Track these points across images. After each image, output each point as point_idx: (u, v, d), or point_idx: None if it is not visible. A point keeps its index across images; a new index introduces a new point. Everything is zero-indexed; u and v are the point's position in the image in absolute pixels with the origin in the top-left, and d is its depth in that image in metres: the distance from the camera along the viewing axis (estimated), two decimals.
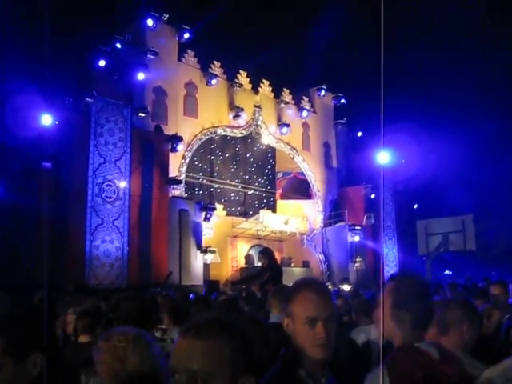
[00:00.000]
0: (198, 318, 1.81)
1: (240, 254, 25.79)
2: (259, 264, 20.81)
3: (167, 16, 23.65)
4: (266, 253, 11.31)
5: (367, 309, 6.11)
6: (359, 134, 31.39)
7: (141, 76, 21.83)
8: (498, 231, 29.23)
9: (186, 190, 23.82)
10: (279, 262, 18.57)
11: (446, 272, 30.58)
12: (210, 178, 26.25)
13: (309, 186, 29.48)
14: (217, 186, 26.57)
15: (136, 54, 22.30)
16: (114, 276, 18.28)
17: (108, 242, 18.35)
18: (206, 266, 22.09)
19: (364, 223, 28.25)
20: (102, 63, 21.32)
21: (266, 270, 10.81)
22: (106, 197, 18.59)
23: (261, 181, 28.87)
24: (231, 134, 26.38)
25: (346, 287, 20.70)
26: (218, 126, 25.49)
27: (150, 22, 23.02)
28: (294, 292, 2.66)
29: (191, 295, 10.94)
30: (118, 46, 22.15)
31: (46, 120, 17.04)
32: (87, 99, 19.13)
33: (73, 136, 18.04)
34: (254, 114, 26.91)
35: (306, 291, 2.62)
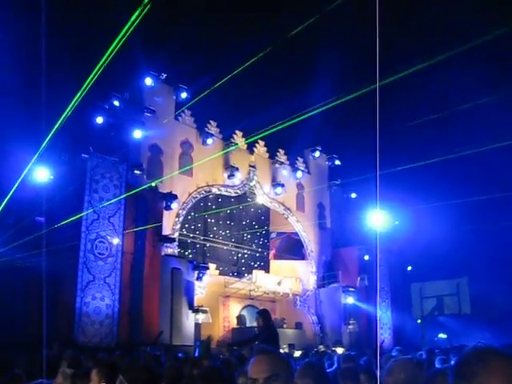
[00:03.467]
0: None
1: (232, 314, 25.48)
2: (253, 324, 20.61)
3: (165, 75, 24.02)
4: (262, 314, 11.18)
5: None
6: (353, 195, 31.47)
7: (137, 133, 21.96)
8: (493, 294, 29.03)
9: (179, 249, 23.67)
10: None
11: (441, 335, 30.22)
12: (204, 237, 26.13)
13: (302, 246, 29.37)
14: (210, 244, 26.44)
15: (133, 112, 22.52)
16: (103, 334, 17.98)
17: (99, 299, 18.13)
18: (198, 326, 21.78)
19: (358, 285, 28.06)
20: (99, 120, 21.54)
21: (263, 332, 10.66)
22: (99, 253, 18.47)
23: (254, 240, 28.77)
24: (226, 193, 26.40)
25: (340, 350, 20.42)
26: (212, 185, 25.55)
27: (148, 81, 23.34)
28: None
29: (179, 355, 10.72)
30: (116, 103, 22.43)
31: (42, 175, 17.09)
32: (83, 155, 19.26)
33: (67, 191, 18.05)
34: (249, 174, 27.04)
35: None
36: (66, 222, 16.66)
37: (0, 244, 16.49)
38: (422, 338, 27.02)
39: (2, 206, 15.24)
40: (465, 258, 28.15)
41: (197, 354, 12.17)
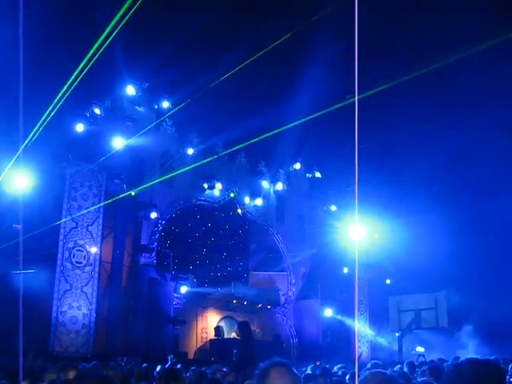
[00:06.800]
0: None
1: (210, 325, 25.34)
2: (231, 336, 20.53)
3: (147, 84, 23.93)
4: (242, 326, 11.16)
5: None
6: (333, 207, 31.51)
7: (118, 142, 21.78)
8: (471, 308, 29.20)
9: (158, 259, 23.50)
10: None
11: (418, 348, 30.27)
12: (183, 247, 26.00)
13: (282, 258, 29.32)
14: (189, 255, 26.31)
15: (114, 120, 22.39)
16: (79, 344, 17.81)
17: (75, 308, 17.98)
18: (175, 337, 21.65)
19: (336, 298, 28.06)
20: (79, 127, 21.34)
21: (245, 344, 10.64)
22: (76, 262, 18.33)
23: (234, 252, 28.67)
24: (206, 204, 26.31)
25: (317, 363, 20.37)
26: (193, 196, 25.43)
27: (130, 90, 23.21)
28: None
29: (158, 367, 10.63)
30: (97, 111, 22.26)
31: (20, 182, 16.90)
32: (63, 163, 19.10)
33: (46, 199, 17.90)
34: (229, 185, 26.96)
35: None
36: (43, 229, 16.50)
37: None
38: (400, 351, 27.05)
39: None
40: (443, 271, 28.30)
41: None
